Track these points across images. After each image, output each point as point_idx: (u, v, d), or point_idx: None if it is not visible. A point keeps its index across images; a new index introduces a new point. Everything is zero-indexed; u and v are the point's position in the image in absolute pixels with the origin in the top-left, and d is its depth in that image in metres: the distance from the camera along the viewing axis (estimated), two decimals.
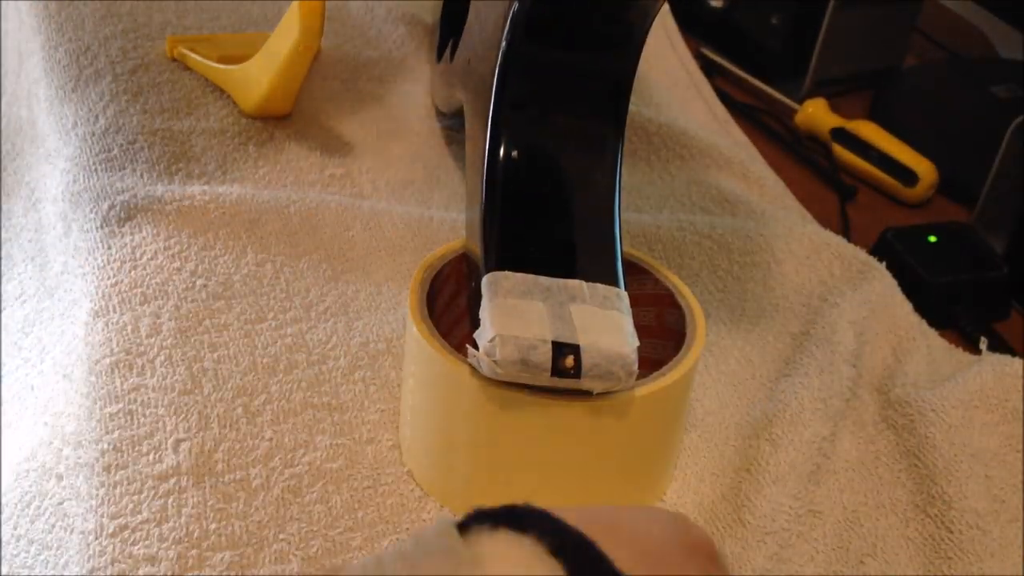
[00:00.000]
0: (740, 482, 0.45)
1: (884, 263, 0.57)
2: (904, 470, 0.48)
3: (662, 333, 0.46)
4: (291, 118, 0.63)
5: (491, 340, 0.37)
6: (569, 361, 0.37)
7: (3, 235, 0.55)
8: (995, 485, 0.46)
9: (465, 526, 0.20)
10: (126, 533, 0.39)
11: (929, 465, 0.47)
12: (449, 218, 0.57)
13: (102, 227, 0.51)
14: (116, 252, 0.50)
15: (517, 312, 0.38)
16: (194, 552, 0.39)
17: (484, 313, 0.39)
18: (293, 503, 0.42)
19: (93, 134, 0.56)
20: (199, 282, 0.50)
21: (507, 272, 0.40)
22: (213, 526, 0.40)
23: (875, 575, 0.43)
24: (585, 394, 0.39)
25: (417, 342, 0.41)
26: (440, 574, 0.19)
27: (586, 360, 0.37)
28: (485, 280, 0.40)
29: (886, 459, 0.48)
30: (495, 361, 0.37)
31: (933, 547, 0.44)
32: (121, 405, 0.43)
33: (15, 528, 0.41)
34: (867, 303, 0.54)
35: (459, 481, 0.43)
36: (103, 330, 0.46)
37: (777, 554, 0.42)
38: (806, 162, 0.72)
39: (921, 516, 0.45)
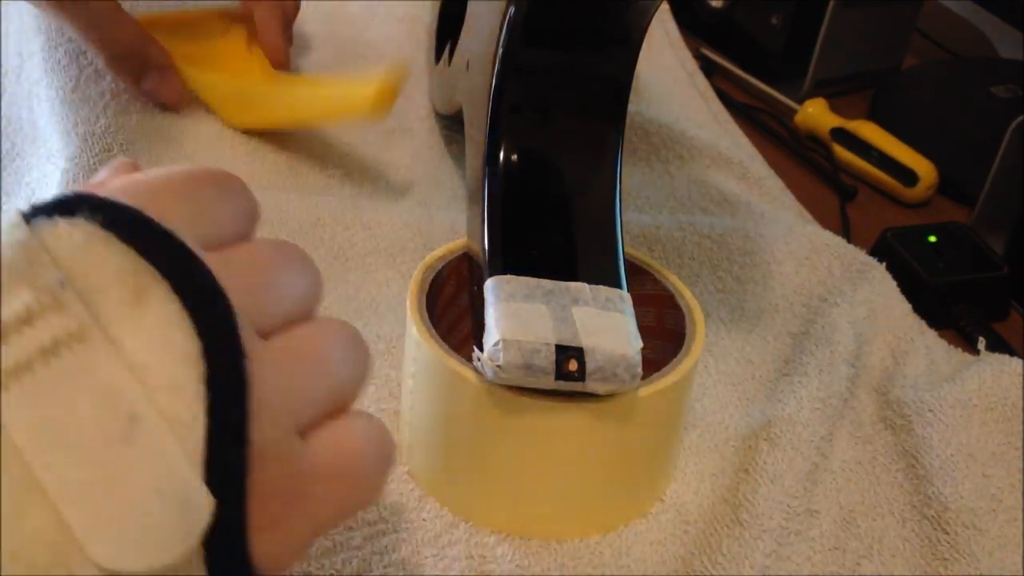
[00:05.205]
0: (739, 482, 0.45)
1: (884, 263, 0.57)
2: (901, 470, 0.48)
3: (662, 333, 0.46)
4: None
5: (495, 344, 0.37)
6: (572, 364, 0.37)
7: None
8: (993, 485, 0.46)
9: (27, 218, 0.22)
10: None
11: (926, 465, 0.47)
12: (449, 218, 0.57)
13: None
14: None
15: (520, 316, 0.38)
16: None
17: (488, 318, 0.39)
18: None
19: (94, 134, 0.56)
20: None
21: (509, 276, 0.40)
22: None
23: None
24: (588, 396, 0.39)
25: (418, 345, 0.41)
26: (17, 266, 0.21)
27: (590, 363, 0.37)
28: (488, 284, 0.40)
29: (883, 459, 0.48)
30: (499, 366, 0.37)
31: (930, 547, 0.44)
32: None
33: None
34: (866, 303, 0.54)
35: (459, 482, 0.43)
36: None
37: (775, 552, 0.42)
38: (806, 162, 0.73)
39: (918, 516, 0.46)
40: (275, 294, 0.25)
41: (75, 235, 0.21)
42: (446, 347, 0.41)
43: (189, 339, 0.21)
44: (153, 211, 0.23)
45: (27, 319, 0.20)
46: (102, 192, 0.23)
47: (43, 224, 0.21)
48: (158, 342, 0.21)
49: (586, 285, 0.41)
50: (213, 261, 0.23)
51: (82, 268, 0.21)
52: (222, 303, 0.22)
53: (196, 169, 0.26)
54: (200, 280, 0.22)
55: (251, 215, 0.27)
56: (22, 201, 0.57)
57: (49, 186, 0.56)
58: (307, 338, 0.25)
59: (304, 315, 0.26)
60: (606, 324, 0.39)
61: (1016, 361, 0.51)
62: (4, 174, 0.59)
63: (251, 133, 0.61)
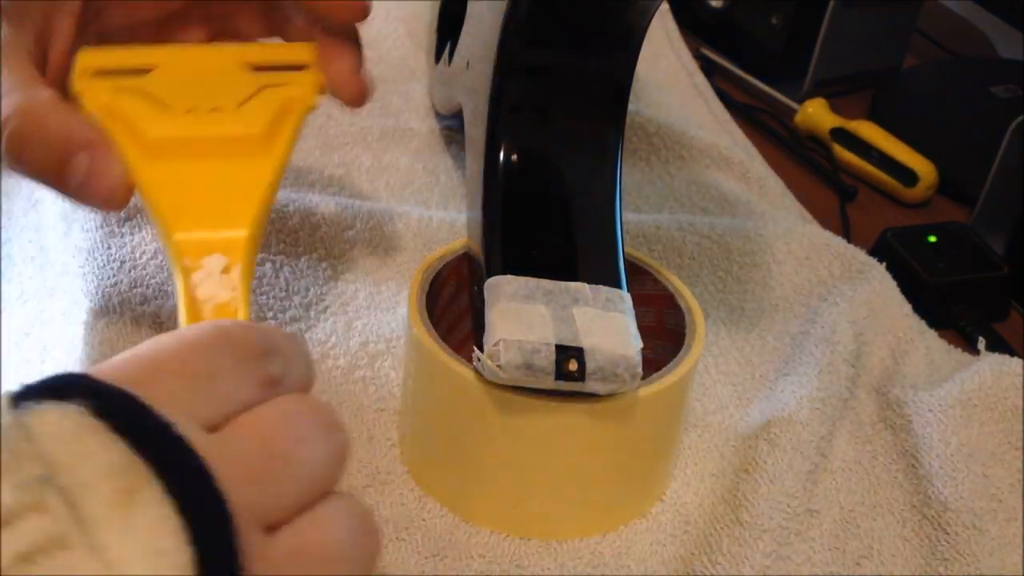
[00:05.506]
0: (739, 482, 0.45)
1: (884, 263, 0.57)
2: (901, 470, 0.48)
3: (662, 334, 0.46)
4: None
5: (495, 344, 0.37)
6: (572, 364, 0.37)
7: (3, 235, 0.55)
8: (993, 484, 0.46)
9: (16, 400, 0.20)
10: None
11: (926, 465, 0.47)
12: (449, 218, 0.57)
13: (102, 227, 0.51)
14: (116, 252, 0.50)
15: (520, 316, 0.38)
16: None
17: (488, 318, 0.39)
18: None
19: None
20: None
21: (509, 276, 0.40)
22: None
23: None
24: (588, 396, 0.39)
25: (418, 345, 0.41)
26: None
27: (590, 363, 0.37)
28: (488, 284, 0.40)
29: (883, 459, 0.48)
30: (499, 365, 0.37)
31: (930, 547, 0.44)
32: None
33: None
34: (866, 303, 0.54)
35: (459, 482, 0.43)
36: (103, 330, 0.46)
37: (775, 551, 0.42)
38: (806, 162, 0.73)
39: (918, 517, 0.45)
40: (286, 477, 0.23)
41: (64, 423, 0.20)
42: (446, 347, 0.41)
43: (180, 550, 0.20)
44: (149, 391, 0.21)
45: (6, 520, 0.19)
46: (96, 373, 0.22)
47: (31, 409, 0.20)
48: (146, 553, 0.19)
49: (586, 285, 0.40)
50: (214, 449, 0.21)
51: (69, 461, 0.19)
52: (220, 506, 0.21)
53: (197, 333, 0.24)
54: (197, 479, 0.21)
55: (261, 377, 0.25)
56: (22, 201, 0.57)
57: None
58: (318, 531, 0.23)
59: (321, 491, 0.24)
60: (606, 324, 0.39)
61: (1016, 361, 0.51)
62: (4, 174, 0.59)
63: None
